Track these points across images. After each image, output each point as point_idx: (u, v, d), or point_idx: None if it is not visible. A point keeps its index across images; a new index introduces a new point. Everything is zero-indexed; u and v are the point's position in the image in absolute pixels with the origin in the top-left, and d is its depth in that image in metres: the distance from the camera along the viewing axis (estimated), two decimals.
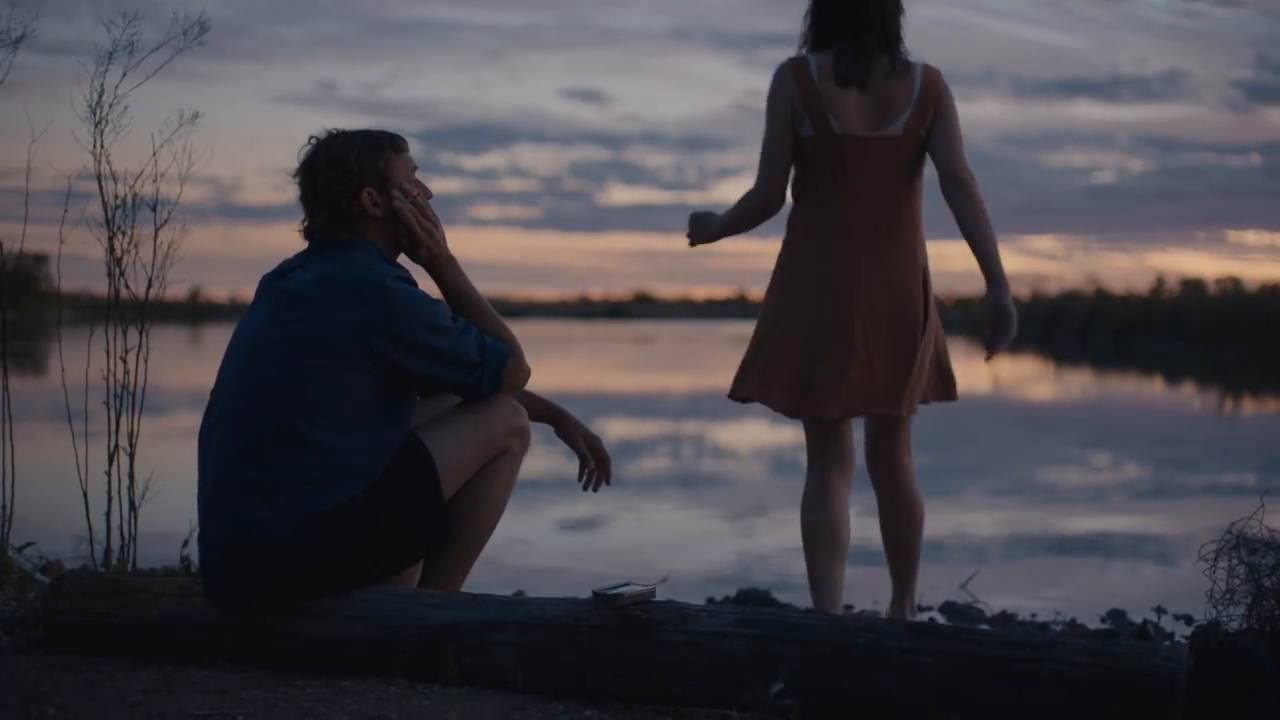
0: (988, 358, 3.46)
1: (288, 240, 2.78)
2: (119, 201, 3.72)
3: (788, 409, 3.47)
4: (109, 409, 3.69)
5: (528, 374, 2.83)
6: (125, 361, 3.72)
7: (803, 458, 3.59)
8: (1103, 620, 4.43)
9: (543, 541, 5.95)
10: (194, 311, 53.22)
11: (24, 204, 3.78)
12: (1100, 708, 2.27)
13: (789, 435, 10.64)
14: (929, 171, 3.50)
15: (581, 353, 29.65)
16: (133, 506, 3.71)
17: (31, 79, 3.96)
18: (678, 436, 11.57)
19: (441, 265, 2.81)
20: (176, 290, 3.99)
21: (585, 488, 2.93)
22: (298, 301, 2.61)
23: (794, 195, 3.53)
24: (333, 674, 2.54)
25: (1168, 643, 2.53)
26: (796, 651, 2.39)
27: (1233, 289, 33.42)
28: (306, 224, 2.75)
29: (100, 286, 3.78)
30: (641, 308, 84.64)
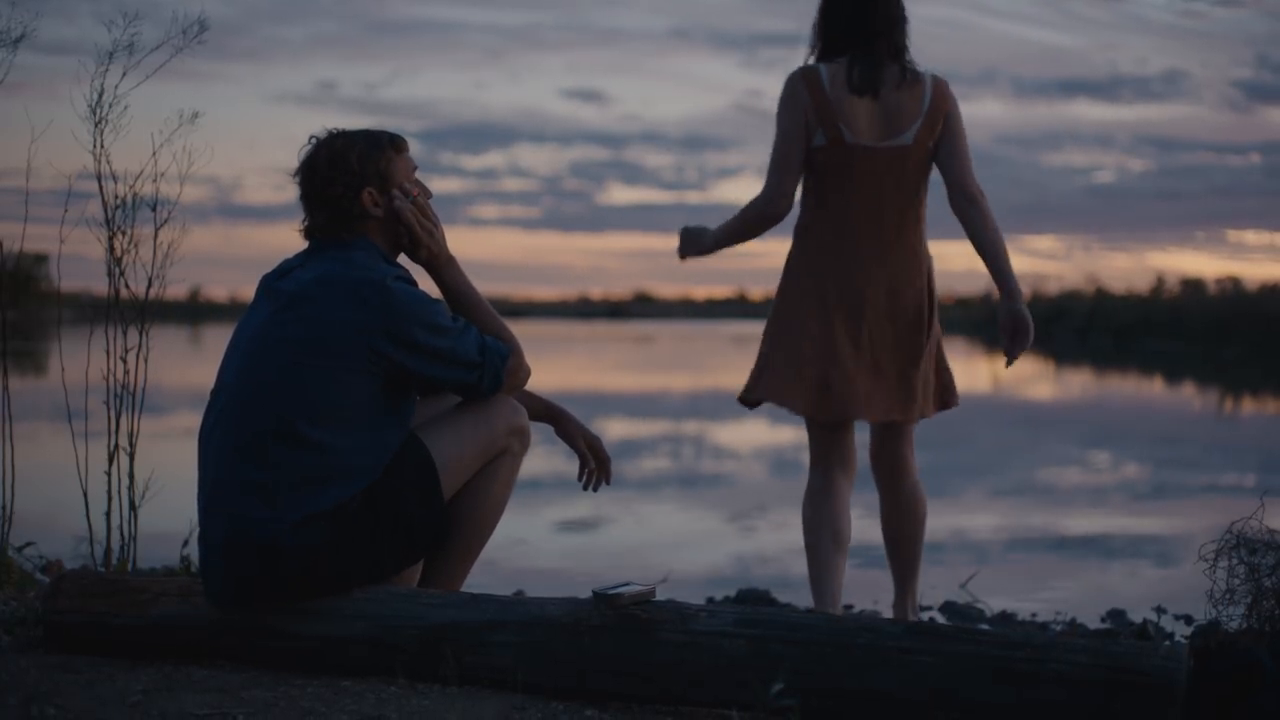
0: (1007, 363, 3.51)
1: (288, 240, 2.78)
2: (119, 201, 3.72)
3: (805, 411, 3.49)
4: (109, 409, 3.69)
5: (528, 374, 2.83)
6: (125, 361, 3.72)
7: (803, 457, 3.60)
8: (1103, 620, 4.43)
9: (543, 541, 5.95)
10: (194, 311, 53.21)
11: (24, 204, 3.78)
12: (1100, 707, 2.27)
13: (789, 435, 10.64)
14: (934, 176, 3.53)
15: (581, 353, 29.65)
16: (133, 506, 3.71)
17: (31, 79, 3.97)
18: (678, 436, 11.57)
19: (441, 265, 2.81)
20: (176, 290, 3.99)
21: (585, 488, 2.93)
22: (298, 301, 2.61)
23: (802, 202, 3.56)
24: (333, 674, 2.54)
25: (1168, 643, 2.54)
26: (796, 651, 2.39)
27: (1233, 289, 33.47)
28: (307, 224, 2.75)
29: (100, 286, 3.79)
30: (641, 308, 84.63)
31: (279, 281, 2.69)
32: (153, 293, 3.77)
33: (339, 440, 2.56)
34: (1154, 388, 19.53)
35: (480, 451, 2.75)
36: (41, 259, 17.03)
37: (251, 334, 2.66)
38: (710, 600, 4.43)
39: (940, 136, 3.45)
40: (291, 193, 2.74)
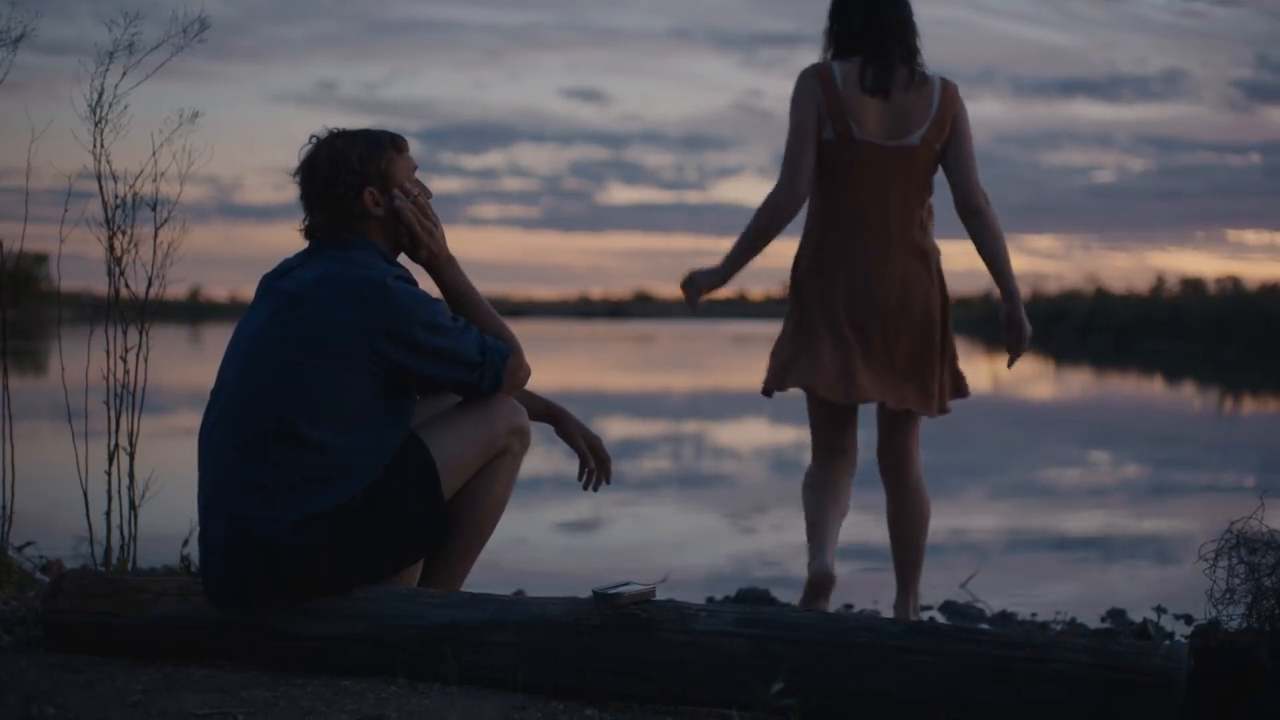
0: (1009, 364, 3.63)
1: (288, 240, 2.78)
2: (119, 201, 3.72)
3: (831, 393, 3.51)
4: (109, 408, 3.69)
5: (528, 373, 2.83)
6: (125, 361, 3.71)
7: (804, 456, 3.61)
8: (1103, 620, 4.43)
9: (543, 541, 5.94)
10: (194, 311, 53.18)
11: (24, 203, 3.78)
12: (1100, 707, 2.27)
13: (789, 435, 10.64)
14: (939, 176, 3.56)
15: (581, 353, 29.64)
16: (133, 506, 3.71)
17: (31, 79, 3.97)
18: (678, 436, 11.57)
19: (441, 265, 2.81)
20: (176, 290, 3.99)
21: (585, 487, 2.93)
22: (298, 301, 2.61)
23: (809, 202, 3.58)
24: (333, 673, 2.54)
25: (1168, 642, 2.54)
26: (796, 651, 2.39)
27: (1233, 288, 33.51)
28: (307, 223, 2.75)
29: (100, 286, 3.78)
30: (641, 307, 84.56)
31: (279, 281, 2.69)
32: (153, 292, 3.77)
33: (339, 440, 2.56)
34: (1154, 387, 19.53)
35: (480, 451, 2.75)
36: (42, 259, 17.03)
37: (251, 334, 2.66)
38: (710, 600, 4.43)
39: (947, 139, 3.49)
40: (291, 192, 2.74)
